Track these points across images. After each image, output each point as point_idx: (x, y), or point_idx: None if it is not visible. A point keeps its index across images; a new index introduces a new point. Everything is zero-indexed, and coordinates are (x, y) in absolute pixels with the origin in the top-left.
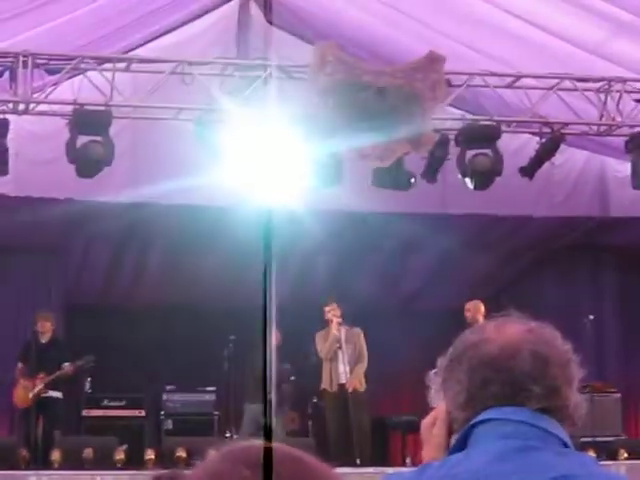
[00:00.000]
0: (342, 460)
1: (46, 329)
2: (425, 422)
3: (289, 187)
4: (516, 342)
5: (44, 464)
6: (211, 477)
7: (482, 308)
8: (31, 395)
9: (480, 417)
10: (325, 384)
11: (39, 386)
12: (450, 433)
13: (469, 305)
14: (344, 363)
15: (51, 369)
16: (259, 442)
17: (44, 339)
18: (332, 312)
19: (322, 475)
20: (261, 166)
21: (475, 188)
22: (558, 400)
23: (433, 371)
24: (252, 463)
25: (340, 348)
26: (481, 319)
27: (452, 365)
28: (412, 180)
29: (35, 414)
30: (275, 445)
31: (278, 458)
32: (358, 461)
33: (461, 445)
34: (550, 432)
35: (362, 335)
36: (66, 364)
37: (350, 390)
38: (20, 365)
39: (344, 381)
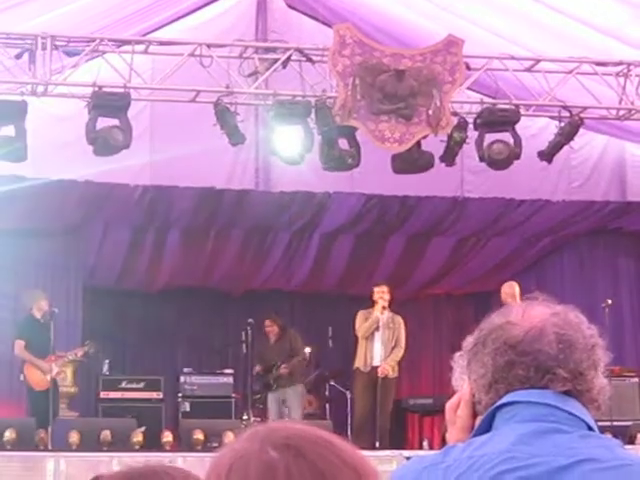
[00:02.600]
0: (361, 442)
1: (45, 308)
2: (450, 404)
3: (307, 170)
4: (541, 325)
5: (61, 446)
6: (238, 458)
7: (517, 289)
8: (49, 377)
9: (504, 399)
10: (359, 363)
11: (55, 369)
12: (474, 415)
13: (507, 288)
14: (380, 346)
15: (51, 350)
16: (285, 423)
17: (43, 319)
18: (380, 294)
19: (350, 457)
20: (279, 149)
21: (494, 169)
22: (583, 383)
23: (458, 353)
24: (279, 444)
25: (377, 330)
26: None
27: (477, 348)
28: (433, 160)
29: (49, 396)
30: (302, 426)
31: (305, 439)
32: (377, 444)
33: (485, 427)
34: (575, 415)
35: (403, 325)
36: (77, 349)
37: (381, 376)
38: (23, 343)
39: (378, 364)
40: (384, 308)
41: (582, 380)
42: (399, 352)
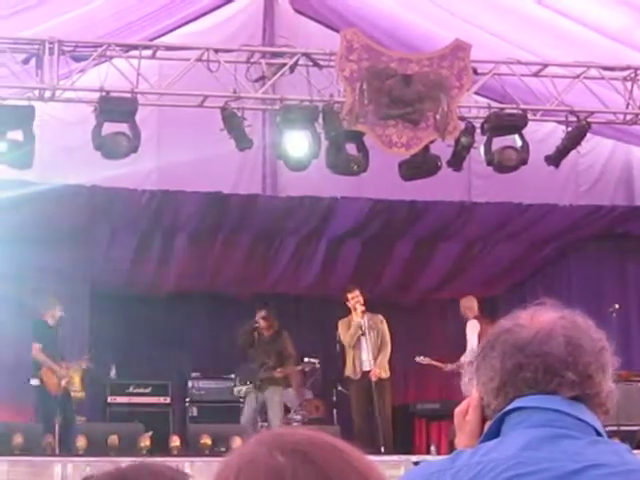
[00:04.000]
0: (366, 448)
1: (58, 316)
2: (458, 409)
3: (314, 175)
4: (550, 328)
5: (69, 451)
6: (246, 463)
7: (475, 303)
8: (64, 383)
9: (513, 405)
10: (349, 372)
11: (67, 377)
12: (484, 421)
13: (466, 302)
14: (367, 351)
15: (59, 356)
16: (295, 428)
17: (55, 326)
18: (355, 299)
19: (357, 462)
20: (286, 154)
21: (501, 173)
22: (591, 387)
23: (467, 360)
24: (287, 449)
25: (363, 335)
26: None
27: (485, 352)
28: (439, 163)
29: (60, 401)
30: (309, 431)
31: (312, 444)
32: (382, 449)
33: (494, 433)
34: (583, 420)
35: (385, 322)
36: (81, 360)
37: (374, 379)
38: (40, 346)
39: (368, 368)
40: (363, 312)
41: (590, 383)
42: (387, 351)
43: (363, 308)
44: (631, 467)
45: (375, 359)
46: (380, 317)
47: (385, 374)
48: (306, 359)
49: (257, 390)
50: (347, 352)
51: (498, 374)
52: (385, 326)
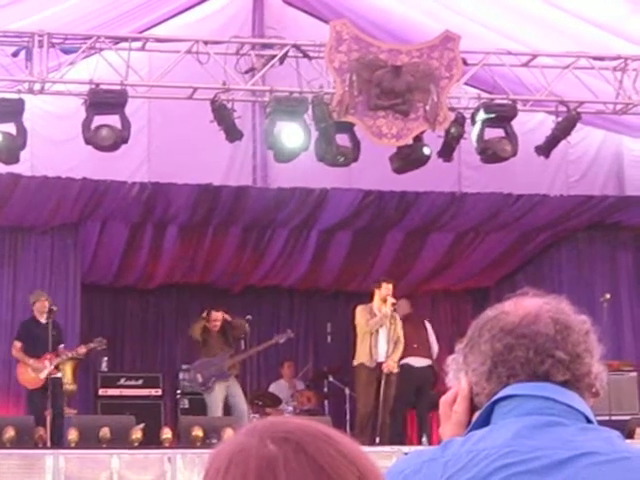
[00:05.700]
0: (363, 438)
1: (45, 309)
2: (445, 399)
3: (305, 166)
4: (536, 312)
5: (60, 443)
6: (237, 452)
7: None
8: (43, 376)
9: (502, 393)
10: (364, 359)
11: (49, 367)
12: (472, 410)
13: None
14: (384, 343)
15: (53, 349)
16: (286, 417)
17: (43, 319)
18: (389, 290)
19: (348, 450)
20: (276, 145)
21: (490, 163)
22: (580, 368)
23: (452, 356)
24: (278, 438)
25: (382, 327)
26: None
27: (472, 341)
28: (426, 151)
29: (46, 394)
30: (301, 420)
31: (304, 432)
32: (377, 440)
33: (483, 421)
34: (574, 407)
35: (399, 320)
36: (80, 347)
37: (387, 372)
38: (20, 344)
39: (382, 360)
40: (393, 305)
41: (580, 363)
42: (401, 348)
43: (394, 301)
44: (622, 454)
45: (391, 354)
46: (396, 314)
47: (395, 369)
48: (275, 335)
49: (225, 380)
50: (362, 339)
51: (489, 357)
52: (400, 324)
